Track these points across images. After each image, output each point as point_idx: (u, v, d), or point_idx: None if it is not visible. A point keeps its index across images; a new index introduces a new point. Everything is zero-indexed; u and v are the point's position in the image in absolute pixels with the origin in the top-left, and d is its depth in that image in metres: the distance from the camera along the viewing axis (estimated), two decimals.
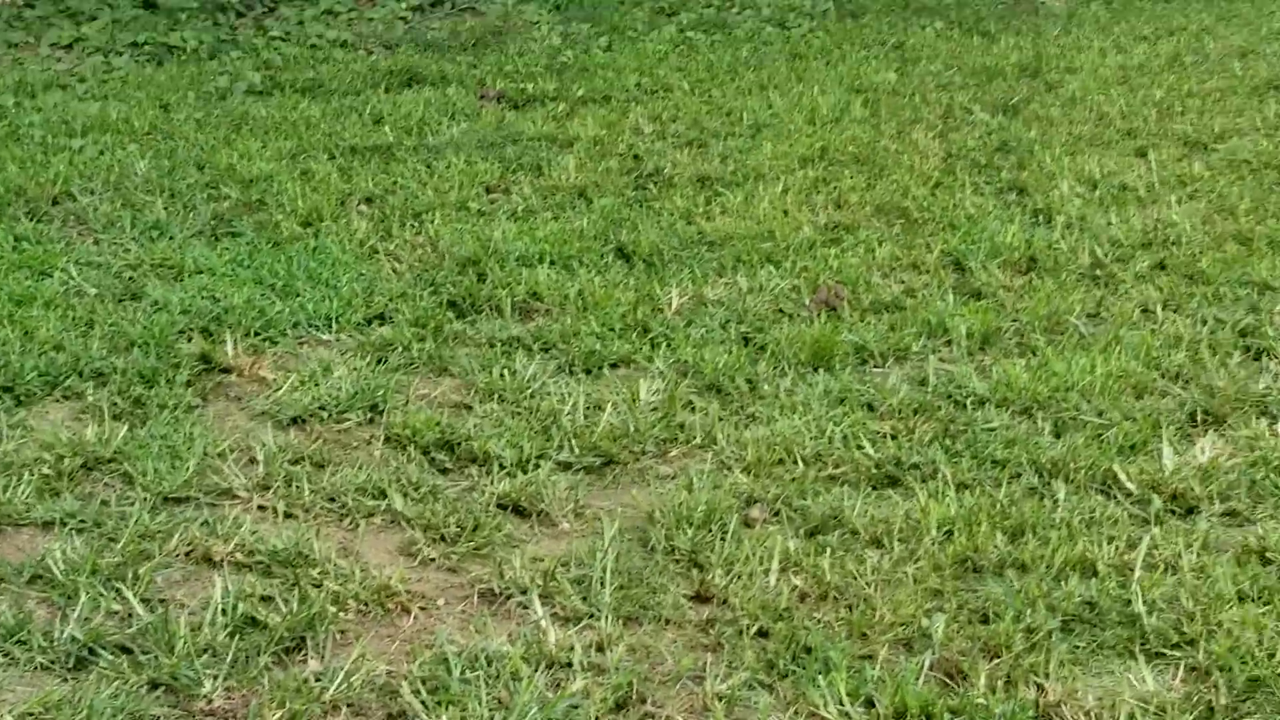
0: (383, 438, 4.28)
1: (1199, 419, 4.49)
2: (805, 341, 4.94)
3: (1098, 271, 5.71)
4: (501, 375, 4.69)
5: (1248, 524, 3.86)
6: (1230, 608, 3.36)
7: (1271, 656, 3.18)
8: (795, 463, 4.11)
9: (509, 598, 3.45)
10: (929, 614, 3.33)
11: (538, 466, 4.08)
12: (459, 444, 4.22)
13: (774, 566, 3.51)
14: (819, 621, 3.31)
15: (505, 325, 5.15)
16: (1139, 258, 5.81)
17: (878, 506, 3.87)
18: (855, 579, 3.47)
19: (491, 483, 4.00)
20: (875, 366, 4.89)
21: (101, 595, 3.32)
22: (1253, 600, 3.43)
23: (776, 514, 3.85)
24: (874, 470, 4.08)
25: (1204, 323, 5.17)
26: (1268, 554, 3.65)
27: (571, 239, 5.94)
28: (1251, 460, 4.18)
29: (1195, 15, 10.37)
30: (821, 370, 4.78)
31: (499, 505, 3.90)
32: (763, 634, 3.28)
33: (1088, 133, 7.57)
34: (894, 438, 4.31)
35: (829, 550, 3.59)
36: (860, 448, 4.19)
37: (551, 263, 5.68)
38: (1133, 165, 6.97)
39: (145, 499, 3.82)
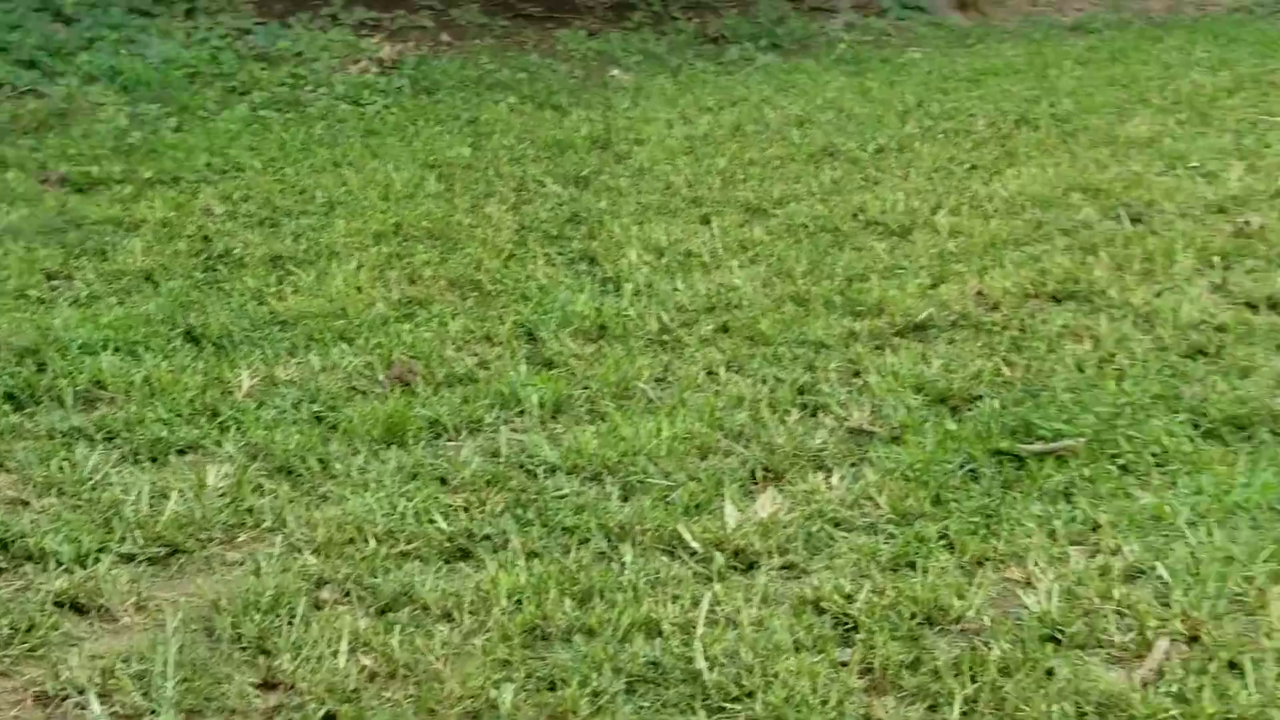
0: None
1: (759, 476, 4.82)
2: (378, 418, 5.04)
3: (665, 336, 6.02)
4: (61, 468, 4.61)
5: (804, 575, 4.16)
6: (787, 658, 3.63)
7: (824, 703, 3.45)
8: (366, 541, 4.19)
9: (66, 699, 3.40)
10: (497, 685, 3.46)
11: (98, 560, 4.03)
12: (13, 542, 4.13)
13: (343, 648, 3.58)
14: (387, 700, 3.40)
15: (66, 416, 5.06)
16: (703, 321, 6.15)
17: (449, 580, 3.99)
18: (425, 654, 3.57)
19: (48, 580, 3.93)
20: (448, 440, 5.02)
21: None
22: (808, 649, 3.71)
23: (347, 594, 3.92)
24: (446, 544, 4.21)
25: (764, 382, 5.52)
26: (821, 603, 3.95)
27: (137, 324, 5.87)
28: (808, 513, 4.50)
29: (756, 87, 11.03)
30: (394, 446, 4.89)
31: (56, 603, 3.83)
32: (330, 718, 3.34)
33: (655, 202, 7.96)
34: (466, 510, 4.45)
35: (399, 627, 3.69)
36: (432, 522, 4.31)
37: (116, 349, 5.60)
38: (698, 232, 7.36)
39: None
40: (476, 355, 5.84)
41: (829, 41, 12.83)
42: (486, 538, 4.27)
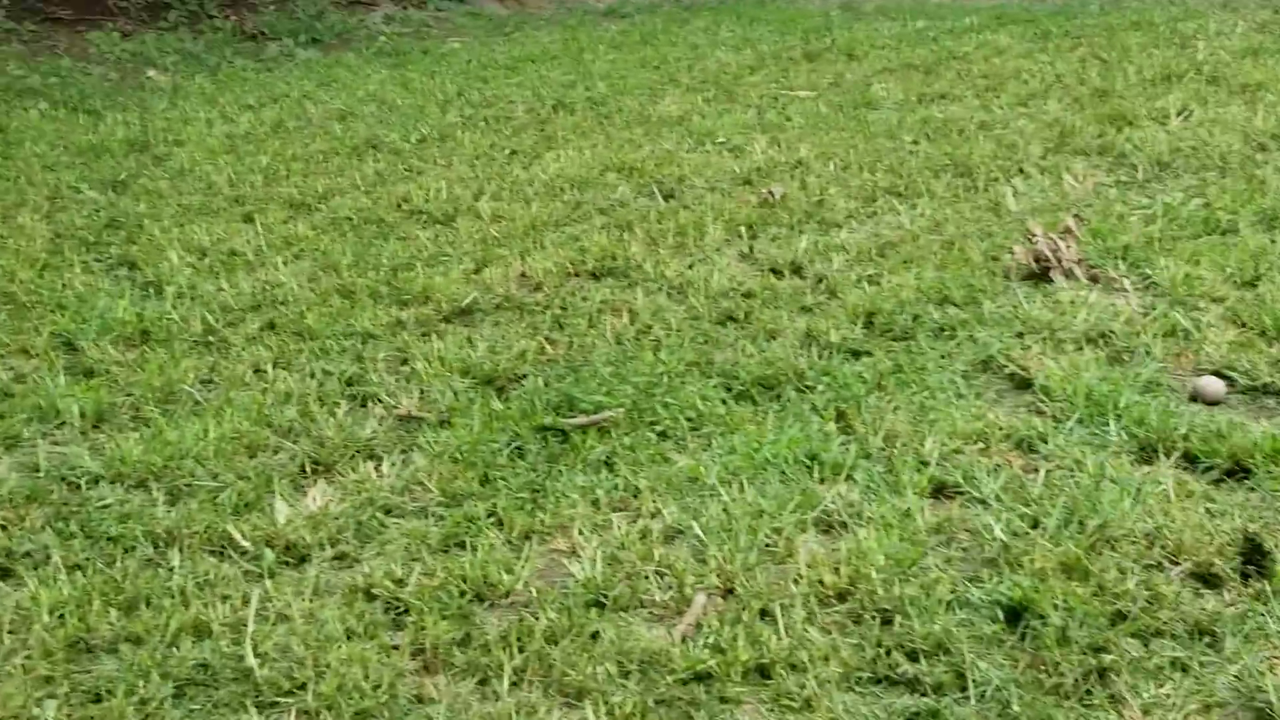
0: None
1: (310, 469, 4.82)
2: None
3: (210, 338, 5.94)
4: None
5: (355, 564, 4.21)
6: (338, 647, 3.67)
7: (377, 688, 3.51)
8: None
9: None
10: (40, 701, 3.37)
11: None
12: None
13: None
14: None
15: None
16: (250, 320, 6.10)
17: None
18: None
19: None
20: None
21: None
22: (359, 637, 3.76)
23: None
24: None
25: (313, 376, 5.53)
26: (373, 590, 4.00)
27: None
28: (359, 503, 4.55)
29: (297, 83, 10.94)
30: None
31: None
32: None
33: (197, 203, 7.82)
34: (4, 528, 4.30)
35: None
36: None
37: None
38: (241, 231, 7.27)
39: None
40: (12, 369, 5.64)
41: (370, 35, 12.83)
42: (27, 554, 4.15)
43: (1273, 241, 6.21)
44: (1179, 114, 8.12)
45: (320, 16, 13.25)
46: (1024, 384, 5.16)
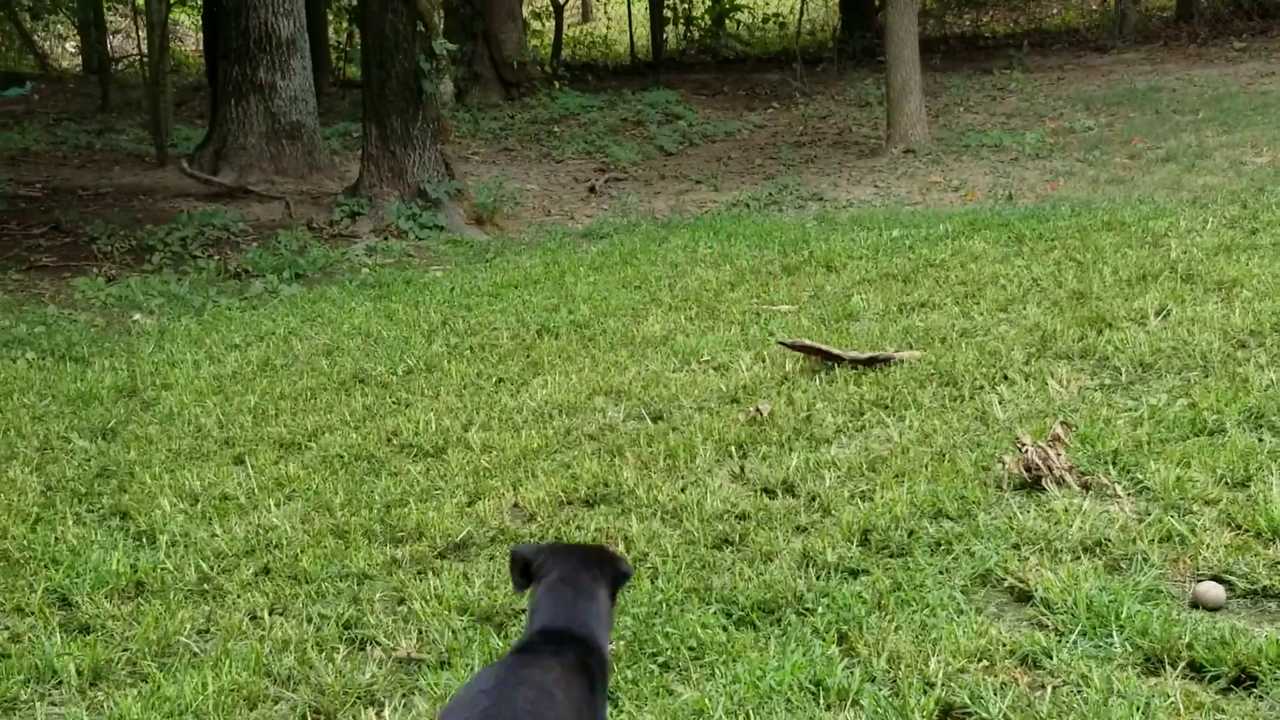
0: None
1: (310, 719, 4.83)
2: None
3: (205, 586, 5.97)
4: None
5: None
6: None
7: None
8: None
9: None
10: None
11: None
12: None
13: None
14: None
15: None
16: (244, 566, 6.13)
17: None
18: None
19: None
20: None
21: None
22: None
23: None
24: None
25: (309, 621, 5.55)
26: None
27: None
28: None
29: (282, 319, 11.08)
30: None
31: None
32: None
33: (187, 447, 7.88)
34: None
35: None
36: None
37: None
38: (232, 474, 7.33)
39: None
40: (7, 628, 5.65)
41: (352, 267, 13.05)
42: None
43: (1260, 440, 6.29)
44: (1157, 314, 8.27)
45: (302, 251, 13.50)
46: (1024, 597, 5.19)
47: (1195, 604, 5.06)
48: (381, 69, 14.63)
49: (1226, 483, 5.92)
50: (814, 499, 6.29)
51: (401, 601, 5.71)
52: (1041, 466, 6.09)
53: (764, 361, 8.29)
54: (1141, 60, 21.64)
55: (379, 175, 14.81)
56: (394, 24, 14.41)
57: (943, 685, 4.62)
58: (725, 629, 5.19)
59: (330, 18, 28.99)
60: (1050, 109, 18.28)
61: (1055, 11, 28.91)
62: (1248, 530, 5.46)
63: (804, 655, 4.89)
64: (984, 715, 4.46)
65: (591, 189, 16.72)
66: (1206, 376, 7.18)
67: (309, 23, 18.68)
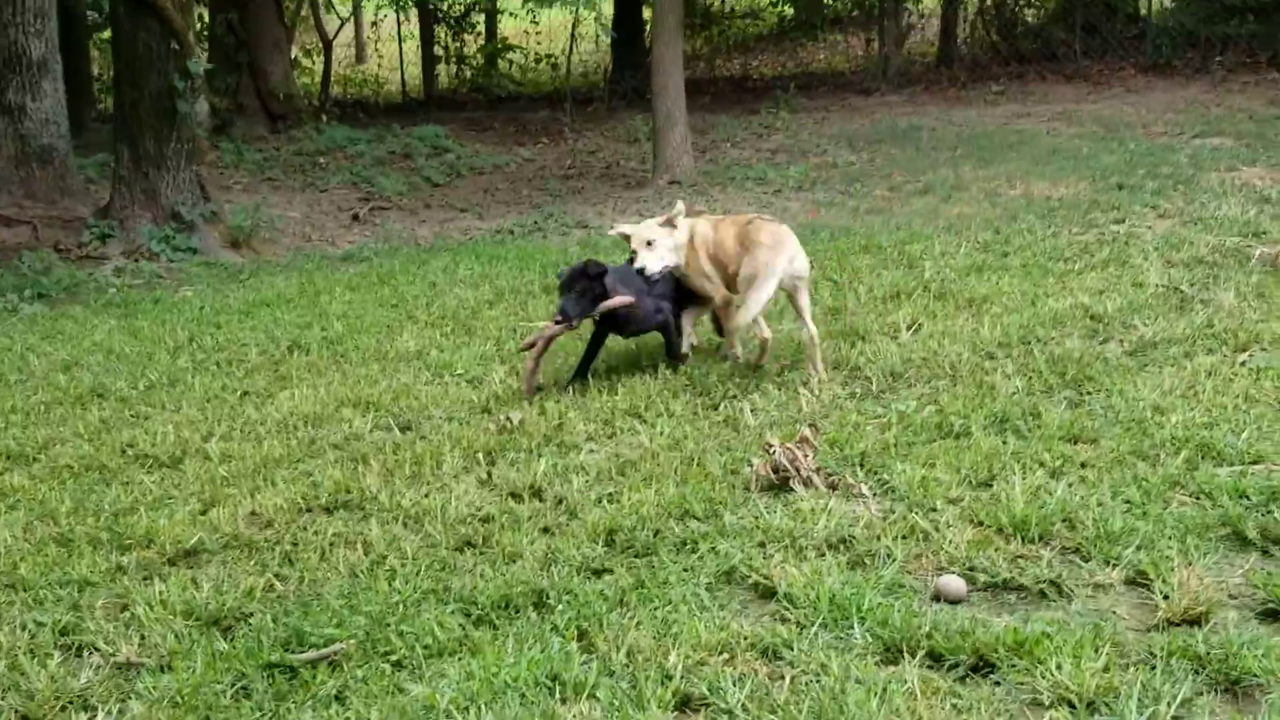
0: None
1: None
2: None
3: None
4: None
5: None
6: None
7: None
8: None
9: None
10: None
11: None
12: None
13: None
14: None
15: None
16: None
17: None
18: None
19: None
20: None
21: None
22: None
23: None
24: None
25: (24, 629, 5.23)
26: None
27: None
28: None
29: (20, 337, 10.60)
30: None
31: None
32: None
33: None
34: None
35: None
36: None
37: None
38: None
39: None
40: None
41: (99, 288, 12.57)
42: None
43: (1004, 442, 6.38)
44: (909, 328, 8.38)
45: (47, 271, 12.97)
46: (768, 593, 5.14)
47: (937, 597, 5.07)
48: (134, 88, 14.17)
49: (970, 482, 5.98)
50: (560, 502, 6.19)
51: (125, 608, 5.43)
52: (789, 468, 6.08)
53: (518, 375, 8.16)
54: (904, 102, 22.16)
55: (131, 197, 14.32)
56: (147, 42, 13.96)
57: (682, 677, 4.54)
58: (463, 627, 5.04)
59: (95, 52, 28.08)
60: (814, 146, 18.60)
61: (822, 57, 29.51)
62: (989, 526, 5.51)
63: (542, 651, 4.77)
64: (722, 705, 4.37)
65: (355, 217, 16.44)
66: (955, 384, 7.28)
67: (68, 51, 18.06)
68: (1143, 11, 24.69)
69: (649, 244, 7.77)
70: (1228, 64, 21.94)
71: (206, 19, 24.70)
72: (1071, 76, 22.99)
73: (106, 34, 27.41)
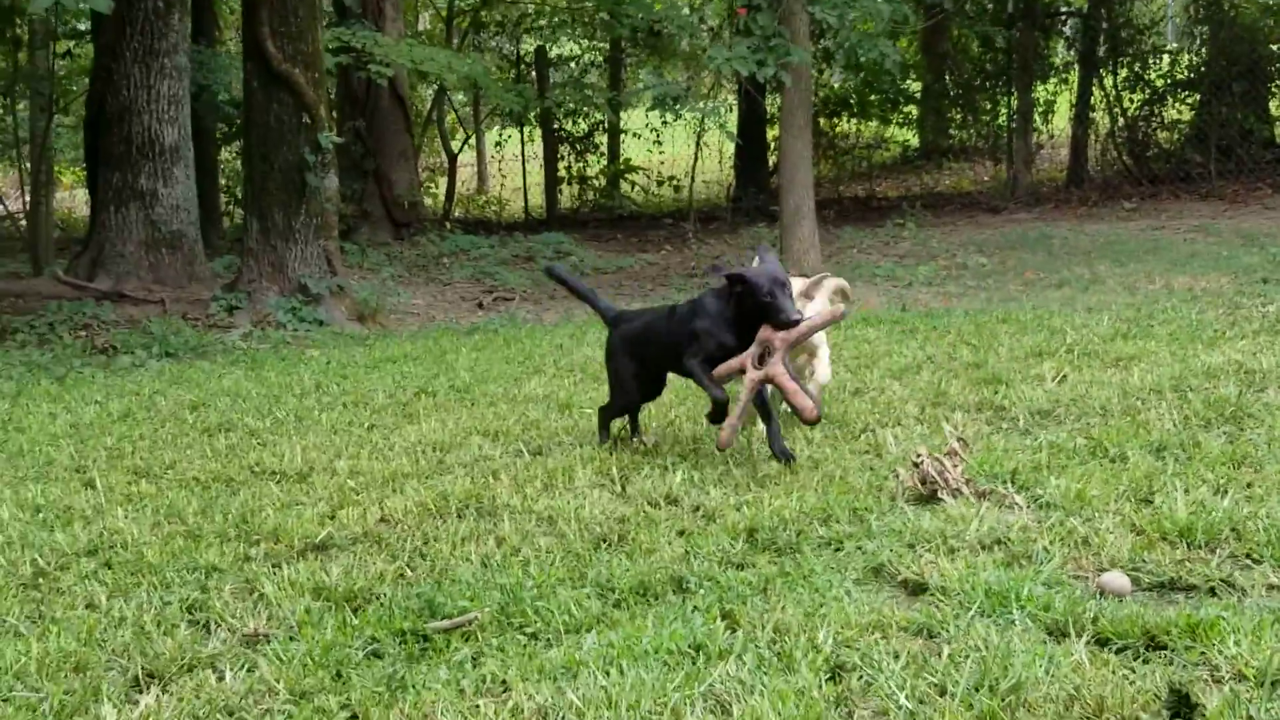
0: None
1: (144, 682, 4.46)
2: None
3: (40, 580, 5.59)
4: None
5: None
6: None
7: None
8: None
9: None
10: None
11: None
12: None
13: None
14: None
15: None
16: (84, 562, 5.76)
17: None
18: None
19: None
20: None
21: None
22: None
23: None
24: None
25: (151, 605, 5.17)
26: None
27: None
28: (197, 707, 4.23)
29: (148, 383, 10.67)
30: None
31: None
32: None
33: (34, 473, 7.51)
34: None
35: None
36: None
37: None
38: (80, 492, 6.96)
39: None
40: None
41: (226, 349, 12.67)
42: None
43: (1163, 465, 6.15)
44: (1055, 379, 8.18)
45: (175, 333, 13.11)
46: (919, 588, 4.94)
47: (1101, 592, 4.85)
48: (265, 161, 14.40)
49: (1130, 498, 5.75)
50: (698, 508, 6.04)
51: (253, 590, 5.34)
52: (937, 479, 5.90)
53: (648, 410, 8.05)
54: (1033, 219, 21.97)
55: (258, 269, 14.49)
56: (279, 115, 14.21)
57: (832, 650, 4.35)
58: (601, 607, 4.90)
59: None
60: (943, 251, 18.45)
61: (947, 182, 29.46)
62: (1152, 533, 5.28)
63: (684, 626, 4.60)
64: (876, 670, 4.18)
65: (479, 305, 16.53)
66: (1106, 421, 7.06)
67: (204, 151, 18.31)
68: (1279, 134, 24.42)
69: (810, 298, 7.42)
70: None
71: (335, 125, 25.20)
72: (1206, 195, 22.71)
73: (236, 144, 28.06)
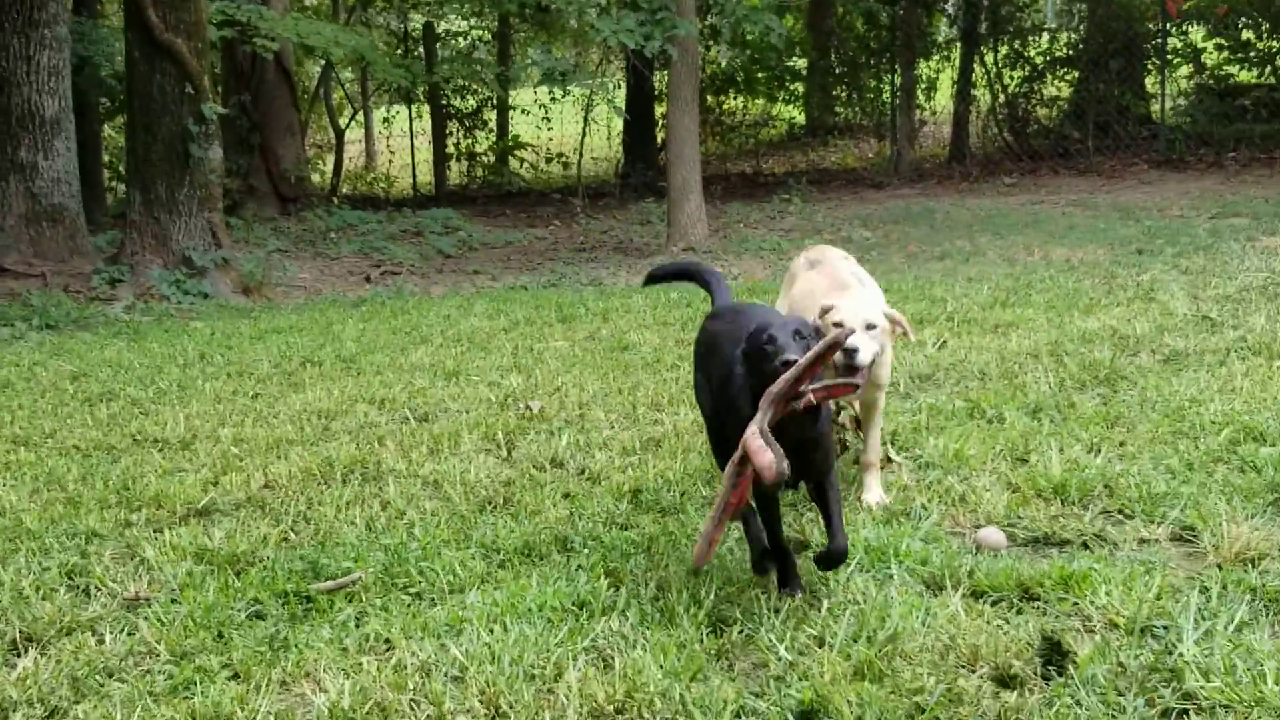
0: None
1: (21, 645, 4.39)
2: None
3: None
4: None
5: (66, 715, 3.91)
6: None
7: None
8: None
9: None
10: None
11: None
12: None
13: None
14: None
15: None
16: None
17: None
18: None
19: None
20: None
21: None
22: None
23: None
24: None
25: (30, 570, 5.08)
26: None
27: None
28: (76, 666, 4.20)
29: (27, 354, 10.42)
30: None
31: None
32: None
33: None
34: None
35: None
36: None
37: None
38: None
39: None
40: None
41: (109, 321, 12.44)
42: None
43: (1039, 425, 6.25)
44: (935, 344, 8.27)
45: (56, 305, 12.86)
46: (801, 546, 4.99)
47: (977, 548, 4.92)
48: (147, 131, 14.15)
49: (1006, 457, 5.85)
50: (583, 471, 6.06)
51: (134, 555, 5.28)
52: None
53: (534, 379, 8.04)
54: (917, 194, 22.15)
55: (142, 242, 14.23)
56: (161, 85, 13.95)
57: (714, 606, 4.38)
58: (486, 566, 4.90)
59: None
60: (828, 225, 18.54)
61: (833, 159, 29.65)
62: (1028, 490, 5.37)
63: (568, 585, 4.62)
64: (756, 625, 4.22)
65: (367, 279, 16.36)
66: (985, 384, 7.16)
67: (85, 119, 17.88)
68: (1154, 112, 24.85)
69: (870, 327, 5.37)
70: (1241, 160, 22.01)
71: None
72: (1084, 171, 23.04)
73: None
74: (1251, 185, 19.52)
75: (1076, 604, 4.27)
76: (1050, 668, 3.86)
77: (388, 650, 4.22)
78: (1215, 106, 24.17)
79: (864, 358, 5.11)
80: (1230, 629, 3.98)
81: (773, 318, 4.65)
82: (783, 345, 4.26)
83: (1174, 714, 3.56)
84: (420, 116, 30.44)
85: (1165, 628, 4.04)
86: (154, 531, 5.52)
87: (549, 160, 30.30)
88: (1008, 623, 4.18)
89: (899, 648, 3.99)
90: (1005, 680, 3.82)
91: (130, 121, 14.73)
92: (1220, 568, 4.51)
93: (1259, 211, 16.07)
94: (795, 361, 4.14)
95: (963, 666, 3.90)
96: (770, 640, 4.08)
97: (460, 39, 31.28)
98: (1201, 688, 3.59)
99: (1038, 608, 4.29)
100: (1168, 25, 24.25)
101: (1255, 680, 3.62)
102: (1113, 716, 3.56)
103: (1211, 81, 24.99)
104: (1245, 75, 25.13)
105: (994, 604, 4.35)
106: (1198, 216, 16.23)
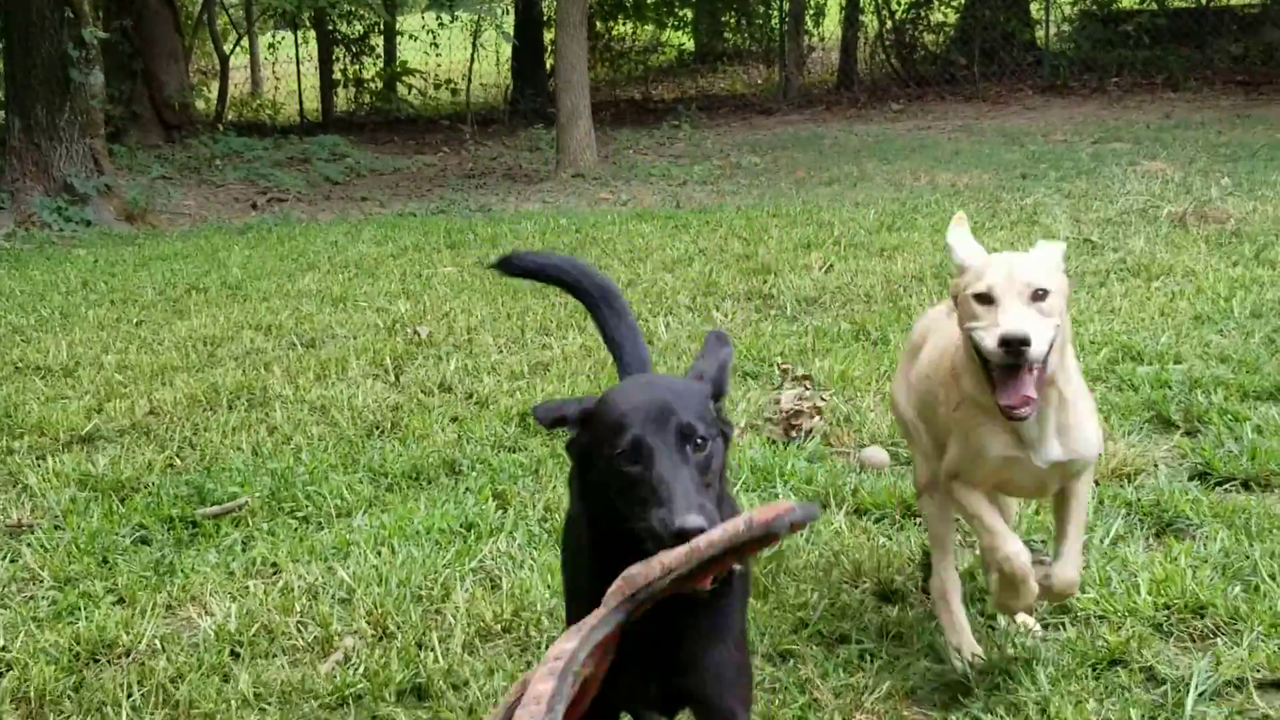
0: None
1: None
2: None
3: None
4: None
5: None
6: None
7: None
8: None
9: None
10: None
11: None
12: None
13: None
14: None
15: None
16: None
17: None
18: None
19: None
20: None
21: None
22: None
23: None
24: None
25: None
26: None
27: None
28: None
29: None
30: None
31: None
32: None
33: None
34: None
35: None
36: None
37: None
38: None
39: None
40: None
41: None
42: None
43: None
44: (821, 268, 8.32)
45: None
46: None
47: (862, 467, 4.98)
48: (26, 56, 13.80)
49: (890, 378, 5.89)
50: (471, 395, 6.04)
51: (16, 483, 5.20)
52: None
53: (423, 304, 8.00)
54: (805, 120, 22.22)
55: (22, 169, 13.90)
56: (40, 8, 13.60)
57: None
58: (374, 490, 4.89)
59: None
60: (718, 151, 18.55)
61: (722, 86, 29.61)
62: None
63: (456, 507, 4.62)
64: None
65: (253, 206, 16.14)
66: (870, 307, 7.22)
67: None
68: (1039, 38, 25.05)
69: (1039, 295, 3.34)
70: (1123, 85, 22.28)
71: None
72: (970, 97, 23.21)
73: None
74: (1133, 110, 19.80)
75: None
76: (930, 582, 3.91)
77: (275, 574, 4.20)
78: (1099, 32, 24.40)
79: (1039, 348, 3.21)
80: (1106, 542, 4.06)
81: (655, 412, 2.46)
82: (667, 487, 2.33)
83: (1050, 626, 3.63)
84: (306, 42, 29.95)
85: (1044, 541, 4.11)
86: (36, 459, 5.44)
87: (437, 87, 29.93)
88: (890, 539, 4.24)
89: (783, 564, 4.03)
90: (887, 595, 3.89)
91: (8, 46, 14.33)
92: (1097, 483, 4.59)
93: (1140, 136, 16.31)
94: (691, 533, 2.26)
95: (846, 582, 3.95)
96: None
97: None
98: (1077, 599, 3.66)
99: (919, 524, 4.35)
100: None
101: (1129, 591, 3.70)
102: (990, 629, 3.63)
103: (1095, 7, 25.22)
104: (1128, 1, 25.39)
105: (877, 521, 4.41)
106: (1080, 141, 16.43)
